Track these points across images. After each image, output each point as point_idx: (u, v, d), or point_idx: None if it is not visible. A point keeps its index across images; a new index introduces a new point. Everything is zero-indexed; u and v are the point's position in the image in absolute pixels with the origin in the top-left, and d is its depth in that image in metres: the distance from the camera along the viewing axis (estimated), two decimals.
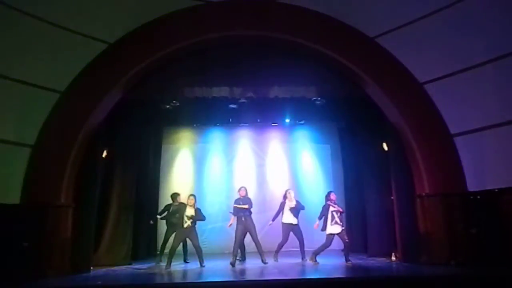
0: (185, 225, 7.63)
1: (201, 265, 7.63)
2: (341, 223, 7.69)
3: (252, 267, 7.54)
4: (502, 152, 6.83)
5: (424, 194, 7.44)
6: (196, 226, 7.78)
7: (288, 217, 8.18)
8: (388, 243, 8.18)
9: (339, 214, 7.73)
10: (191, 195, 7.99)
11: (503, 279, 5.71)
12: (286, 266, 7.58)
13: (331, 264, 7.58)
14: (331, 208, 7.76)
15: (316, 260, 7.71)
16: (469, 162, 7.18)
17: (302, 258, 8.08)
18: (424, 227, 7.38)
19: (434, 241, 7.22)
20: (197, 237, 7.78)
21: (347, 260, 7.60)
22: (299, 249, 8.20)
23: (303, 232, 8.20)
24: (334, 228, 7.68)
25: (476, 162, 7.12)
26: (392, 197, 8.03)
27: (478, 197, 7.07)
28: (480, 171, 7.06)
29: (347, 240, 7.68)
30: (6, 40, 6.53)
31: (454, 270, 6.53)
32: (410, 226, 7.57)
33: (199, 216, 7.77)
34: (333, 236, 7.70)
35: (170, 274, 7.06)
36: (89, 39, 7.31)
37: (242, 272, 7.10)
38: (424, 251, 7.33)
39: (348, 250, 7.72)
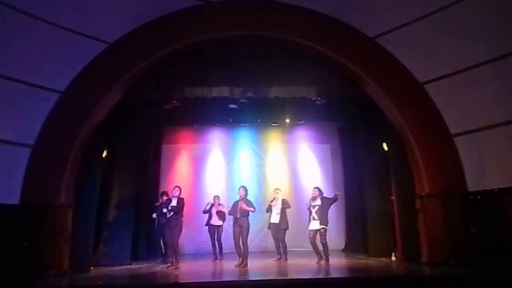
0: (169, 216, 7.49)
1: (168, 264, 7.49)
2: (318, 219, 7.60)
3: (252, 267, 7.53)
4: (502, 152, 6.82)
5: (424, 194, 7.43)
6: (178, 220, 7.47)
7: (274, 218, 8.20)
8: (388, 243, 8.18)
9: (316, 208, 7.65)
10: (176, 186, 7.82)
11: (503, 279, 5.70)
12: (286, 266, 7.58)
13: (331, 264, 7.55)
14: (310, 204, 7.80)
15: (319, 261, 7.63)
16: (469, 162, 7.17)
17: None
18: (424, 227, 7.36)
19: (434, 241, 7.21)
20: (171, 232, 7.45)
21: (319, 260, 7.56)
22: (300, 250, 8.20)
23: (301, 233, 8.18)
24: (311, 224, 7.67)
25: (476, 162, 7.11)
26: (392, 197, 8.04)
27: (478, 197, 7.05)
28: (480, 171, 7.04)
29: (323, 241, 7.60)
30: (6, 40, 6.52)
31: (454, 270, 6.53)
32: (410, 226, 7.57)
33: (177, 205, 7.50)
34: (313, 232, 7.62)
35: (170, 274, 7.05)
36: (89, 39, 7.30)
37: (242, 272, 7.10)
38: (424, 251, 7.33)
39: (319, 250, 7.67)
